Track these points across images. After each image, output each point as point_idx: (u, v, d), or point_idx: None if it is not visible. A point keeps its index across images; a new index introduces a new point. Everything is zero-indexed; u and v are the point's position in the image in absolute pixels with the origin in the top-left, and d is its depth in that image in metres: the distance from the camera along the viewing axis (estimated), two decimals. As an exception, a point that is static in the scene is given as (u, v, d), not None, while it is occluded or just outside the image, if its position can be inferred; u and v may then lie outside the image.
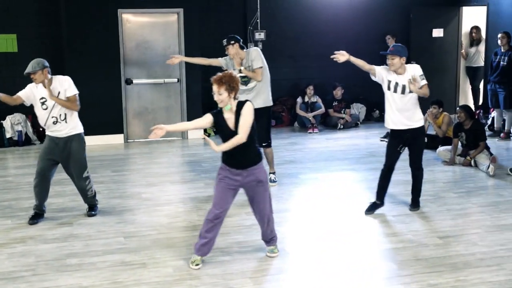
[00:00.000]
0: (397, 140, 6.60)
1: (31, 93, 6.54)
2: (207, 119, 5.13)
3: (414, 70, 6.52)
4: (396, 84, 6.46)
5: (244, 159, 5.18)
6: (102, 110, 11.01)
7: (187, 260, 5.39)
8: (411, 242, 5.82)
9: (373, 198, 6.95)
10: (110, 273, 5.16)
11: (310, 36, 13.02)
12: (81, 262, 5.40)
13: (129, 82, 11.23)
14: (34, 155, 10.25)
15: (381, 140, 10.90)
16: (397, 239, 5.91)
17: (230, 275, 5.11)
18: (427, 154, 9.62)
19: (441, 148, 9.40)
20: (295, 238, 6.05)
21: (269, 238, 5.55)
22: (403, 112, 6.50)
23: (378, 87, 13.27)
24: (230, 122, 5.12)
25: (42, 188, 6.55)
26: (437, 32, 13.46)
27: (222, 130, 5.15)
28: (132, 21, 11.17)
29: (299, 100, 12.50)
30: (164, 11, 11.21)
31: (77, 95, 6.55)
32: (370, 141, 11.00)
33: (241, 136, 5.04)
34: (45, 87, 6.43)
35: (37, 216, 6.59)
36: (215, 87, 5.06)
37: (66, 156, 6.55)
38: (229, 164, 5.20)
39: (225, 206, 5.26)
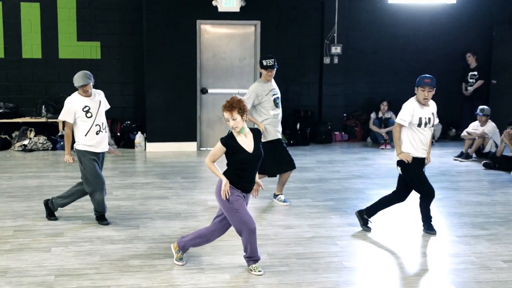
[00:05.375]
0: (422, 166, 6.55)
1: (73, 109, 6.56)
2: (222, 151, 5.19)
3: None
4: (428, 119, 6.46)
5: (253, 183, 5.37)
6: (177, 117, 11.31)
7: (244, 268, 5.47)
8: (473, 264, 5.68)
9: (438, 217, 6.83)
10: (169, 276, 5.29)
11: (387, 51, 12.94)
12: (143, 264, 5.57)
13: (204, 91, 11.48)
14: (111, 159, 10.62)
15: (455, 159, 10.70)
16: (459, 260, 5.78)
17: (285, 285, 5.15)
18: (501, 176, 9.43)
19: (516, 170, 9.13)
20: (355, 253, 6.02)
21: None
22: (425, 144, 6.53)
23: (455, 105, 13.06)
24: (246, 145, 5.21)
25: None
26: (521, 51, 13.10)
27: (236, 153, 5.18)
28: (210, 32, 11.42)
29: (372, 115, 12.42)
30: (242, 23, 11.40)
31: None
32: (443, 160, 10.79)
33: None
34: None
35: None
36: (227, 114, 5.12)
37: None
38: (245, 189, 5.31)
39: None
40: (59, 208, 6.95)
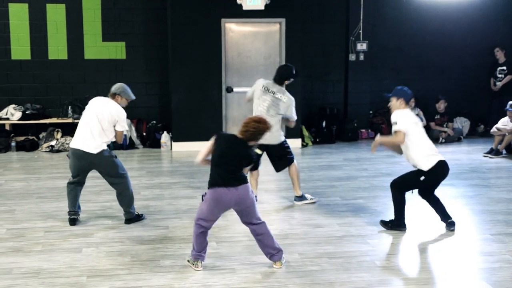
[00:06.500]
0: None
1: None
2: None
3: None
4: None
5: None
6: (203, 116, 11.31)
7: (275, 268, 5.43)
8: (509, 262, 5.58)
9: (470, 215, 6.71)
10: (201, 276, 5.27)
11: (413, 48, 12.81)
12: (174, 264, 5.55)
13: (229, 90, 11.45)
14: (137, 159, 10.66)
15: (484, 156, 10.54)
16: (494, 259, 5.68)
17: (318, 285, 5.09)
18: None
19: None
20: (387, 252, 5.95)
21: None
22: None
23: (484, 101, 12.84)
24: None
25: None
26: (551, 45, 12.87)
27: None
28: (235, 30, 11.39)
29: (399, 112, 12.27)
30: (267, 21, 11.35)
31: None
32: (473, 157, 10.65)
33: None
34: None
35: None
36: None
37: None
38: None
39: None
40: (82, 208, 7.06)
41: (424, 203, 7.19)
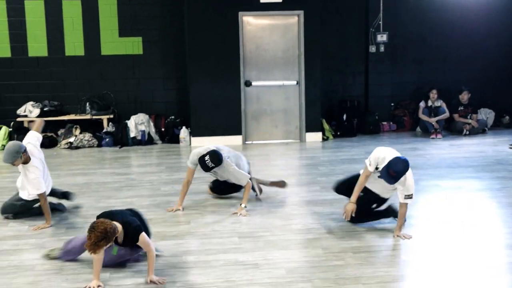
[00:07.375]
0: None
1: None
2: None
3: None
4: None
5: None
6: (222, 111, 11.22)
7: (299, 263, 5.34)
8: (540, 256, 5.43)
9: (498, 208, 6.55)
10: (224, 272, 5.17)
11: (435, 38, 12.61)
12: (197, 260, 5.46)
13: (248, 84, 11.34)
14: (156, 154, 10.61)
15: (510, 148, 10.34)
16: (523, 252, 5.54)
17: (343, 279, 4.98)
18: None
19: None
20: (414, 246, 5.81)
21: None
22: None
23: (508, 92, 12.60)
24: None
25: None
26: None
27: None
28: (252, 23, 11.27)
29: (422, 104, 12.11)
30: (285, 13, 11.21)
31: None
32: (498, 148, 10.45)
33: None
34: None
35: None
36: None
37: None
38: None
39: None
40: (103, 205, 7.02)
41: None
